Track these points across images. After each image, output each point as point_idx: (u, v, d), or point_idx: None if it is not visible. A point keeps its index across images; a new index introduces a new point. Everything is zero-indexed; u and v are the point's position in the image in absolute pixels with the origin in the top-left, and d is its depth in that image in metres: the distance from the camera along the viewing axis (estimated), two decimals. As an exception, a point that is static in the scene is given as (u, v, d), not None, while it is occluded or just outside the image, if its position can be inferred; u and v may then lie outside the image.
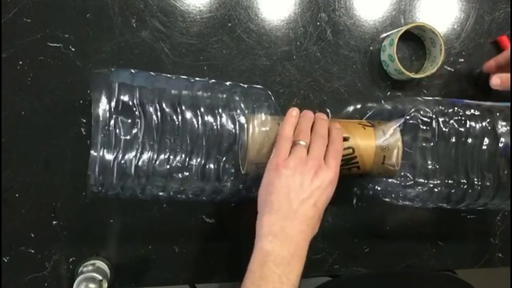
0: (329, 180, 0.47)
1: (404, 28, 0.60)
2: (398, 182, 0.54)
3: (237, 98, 0.50)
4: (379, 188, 0.56)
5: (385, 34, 0.64)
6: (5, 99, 0.55)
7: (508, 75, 0.60)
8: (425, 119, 0.53)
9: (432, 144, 0.53)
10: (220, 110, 0.49)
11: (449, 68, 0.66)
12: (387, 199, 0.57)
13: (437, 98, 0.57)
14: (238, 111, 0.49)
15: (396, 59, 0.59)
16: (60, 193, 0.56)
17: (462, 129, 0.54)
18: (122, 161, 0.46)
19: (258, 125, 0.48)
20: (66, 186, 0.56)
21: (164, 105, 0.48)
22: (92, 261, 0.56)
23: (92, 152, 0.45)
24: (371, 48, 0.64)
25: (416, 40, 0.64)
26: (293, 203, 0.45)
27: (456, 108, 0.55)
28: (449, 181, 0.54)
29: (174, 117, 0.48)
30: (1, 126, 0.55)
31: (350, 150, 0.50)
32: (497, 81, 0.60)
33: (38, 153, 0.56)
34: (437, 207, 0.57)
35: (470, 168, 0.54)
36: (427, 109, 0.54)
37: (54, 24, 0.56)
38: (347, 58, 0.63)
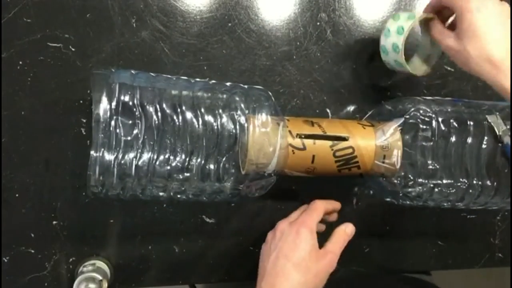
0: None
1: (418, 19, 0.54)
2: (398, 182, 0.54)
3: (237, 99, 0.50)
4: (379, 188, 0.56)
5: (389, 17, 0.59)
6: (5, 99, 0.55)
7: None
8: (425, 118, 0.53)
9: (432, 143, 0.53)
10: (220, 111, 0.49)
11: (449, 68, 0.66)
12: (387, 199, 0.57)
13: (437, 98, 0.57)
14: (239, 111, 0.49)
15: (402, 50, 0.55)
16: (60, 193, 0.56)
17: (462, 129, 0.54)
18: (123, 162, 0.46)
19: (258, 126, 0.48)
20: (66, 186, 0.56)
21: (164, 106, 0.48)
22: (92, 261, 0.56)
23: (92, 152, 0.45)
24: (371, 48, 0.64)
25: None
26: (265, 261, 0.50)
27: (456, 108, 0.55)
28: (449, 181, 0.54)
29: (175, 118, 0.48)
30: (1, 126, 0.55)
31: (350, 150, 0.50)
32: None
33: (38, 153, 0.56)
34: (437, 207, 0.57)
35: (470, 168, 0.54)
36: (427, 109, 0.54)
37: (54, 24, 0.56)
38: (347, 58, 0.63)
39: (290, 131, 0.50)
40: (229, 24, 0.60)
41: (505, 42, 0.47)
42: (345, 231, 0.52)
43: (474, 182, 0.54)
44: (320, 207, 0.52)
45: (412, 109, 0.53)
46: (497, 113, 0.55)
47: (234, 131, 0.49)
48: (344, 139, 0.50)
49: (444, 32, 0.52)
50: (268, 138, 0.48)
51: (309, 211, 0.51)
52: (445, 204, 0.56)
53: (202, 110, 0.49)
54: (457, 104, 0.55)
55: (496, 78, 0.47)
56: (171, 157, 0.48)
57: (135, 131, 0.47)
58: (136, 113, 0.47)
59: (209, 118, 0.49)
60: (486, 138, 0.54)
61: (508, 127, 0.54)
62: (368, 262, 0.65)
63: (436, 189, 0.54)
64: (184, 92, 0.49)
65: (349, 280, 0.66)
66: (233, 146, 0.49)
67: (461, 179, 0.54)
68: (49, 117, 0.56)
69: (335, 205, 0.54)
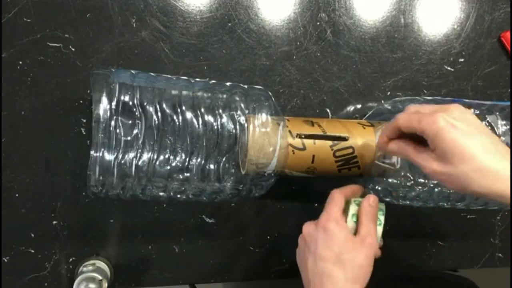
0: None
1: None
2: (398, 182, 0.54)
3: (237, 99, 0.50)
4: (379, 188, 0.56)
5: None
6: (5, 99, 0.55)
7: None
8: (425, 119, 0.53)
9: (432, 144, 0.53)
10: (220, 111, 0.49)
11: (449, 68, 0.66)
12: (387, 199, 0.57)
13: (437, 98, 0.57)
14: (239, 111, 0.49)
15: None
16: (60, 193, 0.56)
17: (462, 129, 0.54)
18: (123, 162, 0.46)
19: (258, 126, 0.48)
20: (66, 186, 0.56)
21: (164, 106, 0.48)
22: (92, 261, 0.56)
23: (92, 152, 0.45)
24: (371, 48, 0.64)
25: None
26: (304, 271, 0.48)
27: (456, 108, 0.55)
28: (449, 181, 0.54)
29: (175, 118, 0.48)
30: (1, 126, 0.55)
31: (350, 150, 0.50)
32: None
33: (38, 153, 0.56)
34: (437, 207, 0.57)
35: (470, 168, 0.54)
36: (427, 109, 0.54)
37: (54, 24, 0.56)
38: (347, 58, 0.63)
39: (290, 131, 0.50)
40: (229, 24, 0.60)
41: (493, 147, 0.40)
42: (370, 204, 0.48)
43: (474, 182, 0.54)
44: (338, 197, 0.48)
45: (412, 109, 0.53)
46: (497, 113, 0.55)
47: (234, 131, 0.49)
48: (344, 139, 0.50)
49: (426, 156, 0.42)
50: (268, 138, 0.48)
51: (328, 206, 0.48)
52: (445, 204, 0.56)
53: (202, 110, 0.49)
54: (457, 104, 0.55)
55: (495, 187, 0.39)
56: (171, 157, 0.48)
57: (135, 131, 0.47)
58: (136, 113, 0.47)
59: (209, 118, 0.49)
60: (486, 138, 0.54)
61: (508, 127, 0.54)
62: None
63: (436, 189, 0.54)
64: (184, 92, 0.49)
65: None
66: (233, 146, 0.49)
67: (461, 179, 0.54)
68: (49, 117, 0.56)
69: (354, 188, 0.51)
